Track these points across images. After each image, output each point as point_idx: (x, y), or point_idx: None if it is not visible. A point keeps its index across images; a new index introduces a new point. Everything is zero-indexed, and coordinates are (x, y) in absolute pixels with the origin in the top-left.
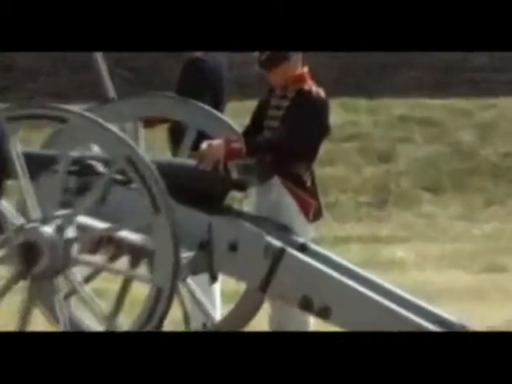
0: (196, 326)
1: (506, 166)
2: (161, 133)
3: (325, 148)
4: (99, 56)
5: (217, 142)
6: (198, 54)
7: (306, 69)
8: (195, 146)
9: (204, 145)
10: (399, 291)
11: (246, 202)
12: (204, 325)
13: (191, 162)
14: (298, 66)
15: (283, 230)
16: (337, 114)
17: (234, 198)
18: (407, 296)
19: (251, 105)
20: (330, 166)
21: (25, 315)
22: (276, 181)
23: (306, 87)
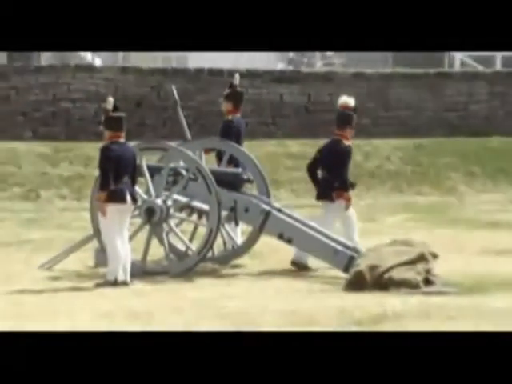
0: (228, 247)
1: None
2: (211, 156)
3: None
4: (179, 108)
5: None
6: (230, 116)
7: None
8: (229, 162)
9: None
10: (325, 231)
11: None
12: (232, 246)
13: (227, 169)
14: None
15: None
16: None
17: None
18: (329, 233)
19: None
20: None
21: (148, 242)
22: None
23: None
